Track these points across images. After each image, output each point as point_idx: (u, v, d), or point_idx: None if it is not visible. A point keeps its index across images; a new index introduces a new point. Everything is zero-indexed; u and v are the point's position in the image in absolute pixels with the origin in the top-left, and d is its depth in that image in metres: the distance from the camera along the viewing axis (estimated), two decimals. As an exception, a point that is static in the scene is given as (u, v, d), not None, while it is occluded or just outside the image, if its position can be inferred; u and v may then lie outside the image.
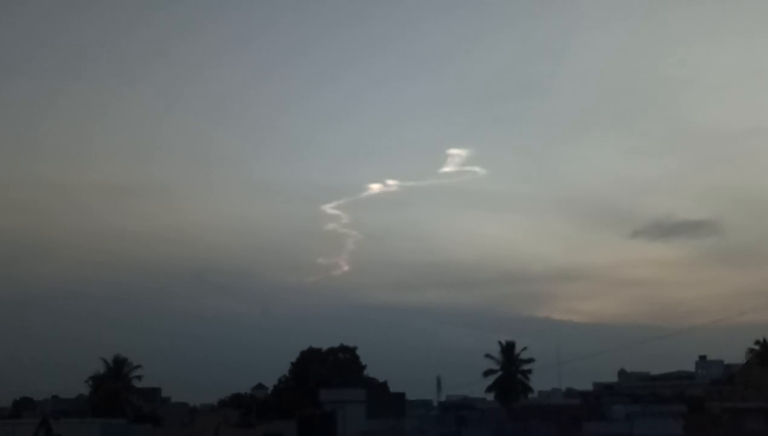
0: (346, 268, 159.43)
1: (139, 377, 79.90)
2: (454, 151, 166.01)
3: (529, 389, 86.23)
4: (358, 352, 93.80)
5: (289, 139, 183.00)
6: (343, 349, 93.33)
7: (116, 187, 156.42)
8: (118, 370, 78.90)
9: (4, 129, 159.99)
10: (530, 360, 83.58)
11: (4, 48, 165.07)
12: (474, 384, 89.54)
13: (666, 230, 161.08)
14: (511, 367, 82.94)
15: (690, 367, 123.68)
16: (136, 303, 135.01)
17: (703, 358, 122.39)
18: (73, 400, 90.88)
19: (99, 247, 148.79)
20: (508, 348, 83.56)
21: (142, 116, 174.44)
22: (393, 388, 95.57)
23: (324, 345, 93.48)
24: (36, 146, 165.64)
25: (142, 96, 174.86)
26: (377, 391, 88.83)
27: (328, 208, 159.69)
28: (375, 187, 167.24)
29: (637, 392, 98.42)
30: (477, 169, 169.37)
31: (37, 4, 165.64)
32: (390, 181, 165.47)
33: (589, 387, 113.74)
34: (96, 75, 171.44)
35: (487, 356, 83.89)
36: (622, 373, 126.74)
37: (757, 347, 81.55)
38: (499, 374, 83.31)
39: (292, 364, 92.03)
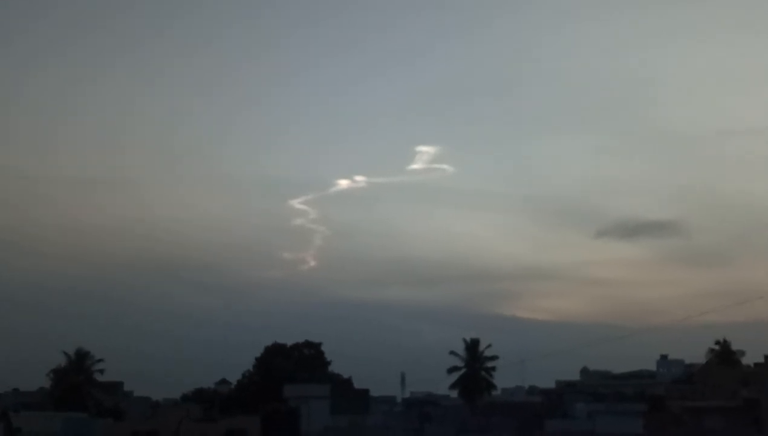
0: (313, 263, 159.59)
1: (101, 371, 79.29)
2: (422, 148, 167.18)
3: (493, 387, 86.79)
4: (323, 348, 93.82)
5: (258, 134, 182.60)
6: (308, 344, 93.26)
7: (83, 181, 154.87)
8: (80, 363, 78.20)
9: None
10: (494, 358, 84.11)
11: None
12: (438, 381, 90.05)
13: (631, 230, 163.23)
14: (475, 364, 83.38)
15: (651, 366, 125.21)
16: (100, 296, 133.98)
17: (664, 357, 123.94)
18: (34, 393, 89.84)
19: (64, 240, 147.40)
20: (472, 345, 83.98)
21: (111, 110, 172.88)
22: (357, 384, 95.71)
23: (289, 340, 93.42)
24: (1, 138, 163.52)
25: (111, 89, 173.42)
26: (342, 387, 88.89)
27: (296, 204, 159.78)
28: (343, 183, 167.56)
29: (599, 391, 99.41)
30: (445, 166, 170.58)
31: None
32: (358, 178, 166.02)
33: (551, 385, 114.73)
34: (65, 67, 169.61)
35: (452, 353, 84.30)
36: (584, 371, 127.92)
37: (717, 347, 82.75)
38: (463, 371, 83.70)
39: (257, 359, 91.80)
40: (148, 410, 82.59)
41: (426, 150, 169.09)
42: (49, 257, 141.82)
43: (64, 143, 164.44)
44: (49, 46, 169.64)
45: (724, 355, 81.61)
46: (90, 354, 78.98)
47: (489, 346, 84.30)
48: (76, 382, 76.78)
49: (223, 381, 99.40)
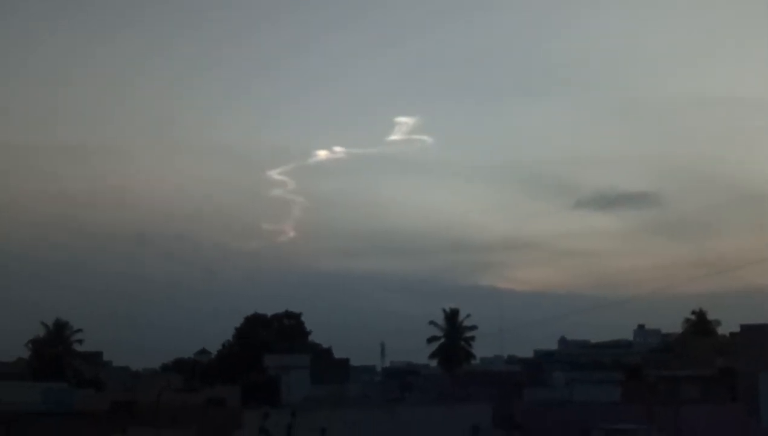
0: (292, 234, 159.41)
1: (80, 341, 79.26)
2: (401, 119, 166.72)
3: (472, 356, 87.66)
4: (303, 318, 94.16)
5: (236, 103, 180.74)
6: (288, 315, 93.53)
7: (59, 148, 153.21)
8: (58, 333, 78.10)
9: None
10: (473, 327, 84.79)
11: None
12: (418, 351, 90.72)
13: (609, 201, 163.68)
14: (454, 334, 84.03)
15: (628, 335, 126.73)
16: (78, 266, 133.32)
17: (641, 327, 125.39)
18: (13, 363, 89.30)
19: (39, 208, 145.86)
20: (451, 315, 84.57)
21: (88, 78, 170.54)
22: (337, 354, 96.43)
23: (269, 311, 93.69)
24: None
25: (90, 59, 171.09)
26: (322, 357, 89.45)
27: (274, 174, 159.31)
28: (322, 153, 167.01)
29: (577, 360, 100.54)
30: (425, 137, 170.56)
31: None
32: (337, 148, 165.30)
33: (530, 354, 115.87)
34: (48, 37, 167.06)
35: (431, 323, 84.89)
36: (562, 341, 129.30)
37: (693, 317, 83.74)
38: (442, 340, 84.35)
39: (237, 329, 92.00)
40: (128, 380, 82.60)
41: (405, 121, 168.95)
42: (25, 225, 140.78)
43: (39, 111, 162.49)
44: (38, 16, 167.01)
45: (700, 325, 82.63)
46: (69, 324, 78.86)
47: (468, 316, 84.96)
48: (55, 352, 76.69)
49: (203, 351, 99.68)
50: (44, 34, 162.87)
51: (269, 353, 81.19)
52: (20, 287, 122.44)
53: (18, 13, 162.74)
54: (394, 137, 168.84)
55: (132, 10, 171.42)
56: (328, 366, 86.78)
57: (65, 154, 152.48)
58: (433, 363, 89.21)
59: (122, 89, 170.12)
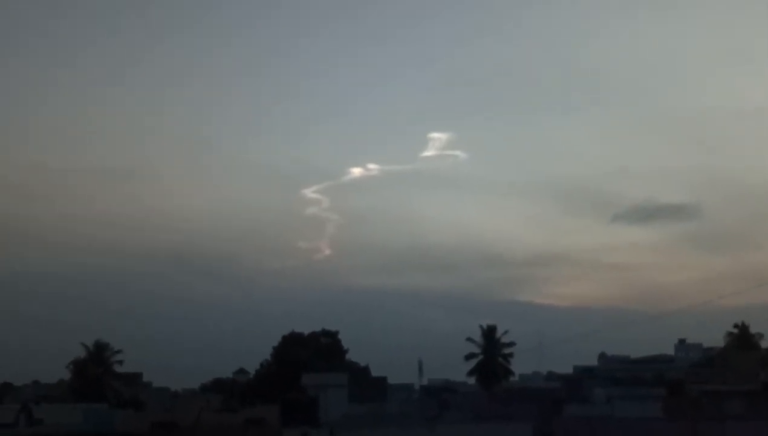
0: (327, 252, 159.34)
1: (120, 362, 79.78)
2: (435, 135, 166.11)
3: (510, 373, 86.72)
4: (339, 336, 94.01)
5: (269, 122, 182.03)
6: (325, 333, 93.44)
7: (97, 171, 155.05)
8: (99, 355, 78.72)
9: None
10: (511, 344, 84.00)
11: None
12: (455, 368, 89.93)
13: (646, 214, 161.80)
14: (492, 351, 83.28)
15: (669, 350, 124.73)
16: (118, 288, 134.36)
17: (682, 341, 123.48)
18: (54, 385, 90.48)
19: (80, 231, 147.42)
20: (489, 332, 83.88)
21: (126, 100, 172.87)
22: (375, 372, 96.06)
23: (306, 329, 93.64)
24: (21, 129, 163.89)
25: (127, 80, 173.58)
26: (359, 375, 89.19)
27: (309, 193, 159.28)
28: (356, 171, 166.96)
29: (617, 375, 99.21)
30: (458, 153, 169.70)
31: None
32: (371, 166, 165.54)
33: (569, 370, 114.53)
34: (84, 60, 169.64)
35: (469, 339, 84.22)
36: (602, 356, 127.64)
37: (735, 331, 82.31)
38: (480, 357, 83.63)
39: (274, 348, 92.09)
40: (168, 400, 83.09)
41: (438, 137, 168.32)
42: (66, 249, 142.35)
43: (79, 134, 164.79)
44: (72, 39, 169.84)
45: (742, 338, 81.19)
46: (109, 346, 79.47)
47: (506, 332, 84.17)
48: (96, 373, 77.31)
49: (242, 371, 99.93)
50: (80, 56, 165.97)
51: (307, 371, 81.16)
52: (61, 309, 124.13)
53: (52, 35, 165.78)
54: (427, 153, 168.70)
55: (166, 31, 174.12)
56: (365, 385, 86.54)
57: (103, 176, 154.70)
58: (471, 380, 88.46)
59: (158, 110, 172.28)
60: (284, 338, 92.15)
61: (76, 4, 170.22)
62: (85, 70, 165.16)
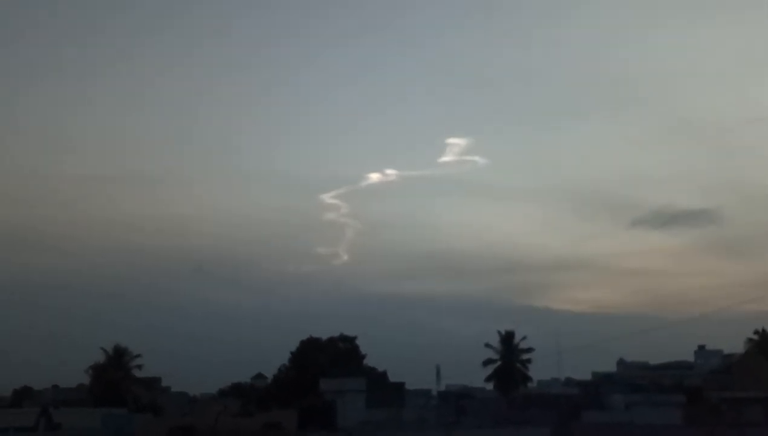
0: (345, 257, 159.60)
1: (139, 367, 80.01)
2: (453, 140, 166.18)
3: (529, 379, 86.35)
4: (357, 341, 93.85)
5: (288, 130, 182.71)
6: (343, 338, 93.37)
7: (117, 178, 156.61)
8: (118, 359, 78.98)
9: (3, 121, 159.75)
10: (529, 350, 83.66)
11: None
12: (473, 373, 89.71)
13: (666, 219, 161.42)
14: (510, 356, 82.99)
15: (689, 357, 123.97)
16: (137, 293, 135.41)
17: (701, 348, 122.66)
18: (74, 389, 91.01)
19: (100, 237, 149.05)
20: (507, 338, 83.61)
21: (150, 107, 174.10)
22: (393, 377, 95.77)
23: (324, 335, 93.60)
24: (33, 137, 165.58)
25: (156, 88, 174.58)
26: (377, 380, 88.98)
27: (327, 198, 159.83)
28: (374, 176, 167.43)
29: (636, 382, 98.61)
30: (477, 158, 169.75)
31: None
32: (389, 171, 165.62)
33: (588, 377, 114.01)
34: (109, 68, 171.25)
35: (487, 345, 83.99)
36: (621, 363, 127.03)
37: (755, 337, 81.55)
38: (498, 363, 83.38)
39: (292, 353, 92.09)
40: (186, 405, 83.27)
41: (457, 142, 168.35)
42: (86, 255, 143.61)
43: (98, 140, 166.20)
44: (104, 49, 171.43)
45: (763, 344, 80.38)
46: (128, 350, 79.71)
47: (524, 338, 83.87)
48: (115, 378, 77.56)
49: (260, 376, 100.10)
50: (107, 64, 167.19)
51: (325, 377, 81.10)
52: (82, 314, 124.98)
53: (79, 43, 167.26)
54: (446, 159, 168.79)
55: (191, 40, 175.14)
56: (383, 390, 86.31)
57: (124, 184, 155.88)
58: (489, 386, 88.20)
59: (180, 118, 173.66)
60: (302, 342, 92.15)
61: (66, 6, 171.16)
62: (111, 77, 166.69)
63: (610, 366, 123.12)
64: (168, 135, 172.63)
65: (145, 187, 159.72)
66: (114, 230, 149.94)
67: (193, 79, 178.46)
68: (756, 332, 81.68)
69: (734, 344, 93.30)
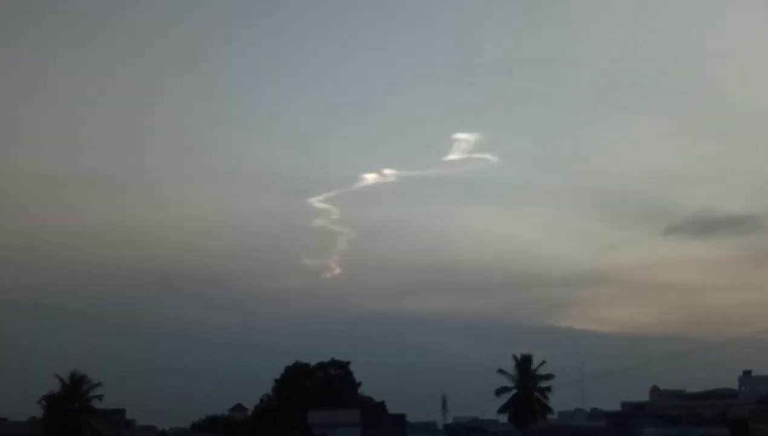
0: (337, 270, 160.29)
1: (99, 397, 79.92)
2: (461, 135, 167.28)
3: (549, 410, 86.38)
4: (351, 367, 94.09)
5: (271, 124, 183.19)
6: (335, 364, 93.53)
7: (74, 179, 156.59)
8: (75, 389, 78.90)
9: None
10: (549, 376, 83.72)
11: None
12: (485, 404, 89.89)
13: (705, 226, 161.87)
14: (527, 384, 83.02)
15: (732, 384, 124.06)
16: (96, 312, 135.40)
17: (747, 373, 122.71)
18: (24, 423, 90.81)
19: (53, 246, 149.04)
20: (523, 363, 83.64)
21: (99, 101, 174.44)
22: (392, 408, 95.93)
23: (312, 360, 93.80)
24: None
25: (104, 80, 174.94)
26: (374, 412, 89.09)
27: (316, 202, 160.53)
28: (370, 177, 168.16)
29: (672, 413, 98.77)
30: (488, 156, 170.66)
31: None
32: (387, 171, 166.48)
33: (616, 407, 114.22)
34: (75, 60, 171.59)
35: (500, 371, 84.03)
36: (654, 391, 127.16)
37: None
38: (513, 392, 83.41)
39: (276, 381, 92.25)
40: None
41: (465, 138, 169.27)
42: (35, 270, 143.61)
43: (71, 140, 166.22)
44: (64, 39, 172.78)
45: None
46: (86, 378, 79.65)
47: (543, 363, 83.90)
48: (72, 410, 77.52)
49: (239, 407, 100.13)
50: (66, 54, 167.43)
51: (313, 408, 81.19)
52: (33, 338, 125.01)
53: (36, 37, 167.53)
54: (452, 157, 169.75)
55: (158, 27, 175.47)
56: (381, 423, 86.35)
57: (77, 187, 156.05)
58: (503, 419, 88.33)
59: (147, 111, 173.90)
60: (287, 369, 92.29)
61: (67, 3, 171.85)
62: (75, 71, 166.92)
63: (641, 395, 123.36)
64: (133, 131, 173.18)
65: (105, 190, 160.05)
66: (70, 238, 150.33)
67: (162, 68, 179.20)
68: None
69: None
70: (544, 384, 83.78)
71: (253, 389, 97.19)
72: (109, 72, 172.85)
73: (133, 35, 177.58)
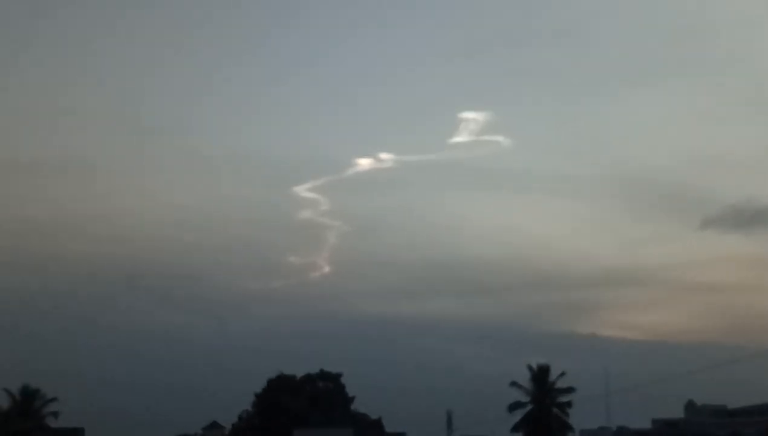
0: (326, 269, 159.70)
1: (54, 414, 79.99)
2: (468, 114, 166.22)
3: (569, 428, 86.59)
4: (343, 380, 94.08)
5: (252, 102, 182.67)
6: (324, 376, 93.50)
7: (20, 166, 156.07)
8: (27, 405, 78.89)
9: None
10: (570, 390, 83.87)
11: None
12: (496, 421, 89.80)
13: (747, 218, 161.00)
14: (544, 399, 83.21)
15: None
16: (51, 316, 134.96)
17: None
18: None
19: (2, 239, 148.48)
20: (540, 374, 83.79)
21: (56, 76, 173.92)
22: (389, 426, 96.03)
23: (298, 371, 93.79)
24: None
25: (55, 50, 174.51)
26: (369, 430, 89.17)
27: (302, 191, 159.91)
28: (364, 162, 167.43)
29: (711, 431, 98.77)
30: (499, 138, 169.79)
31: None
32: (383, 155, 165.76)
33: (647, 425, 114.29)
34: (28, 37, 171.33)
35: (513, 384, 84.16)
36: (690, 406, 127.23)
37: None
38: (528, 408, 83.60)
39: (257, 396, 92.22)
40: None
41: (473, 117, 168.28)
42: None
43: (26, 116, 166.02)
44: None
45: None
46: (40, 393, 79.60)
47: (562, 374, 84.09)
48: (23, 428, 77.47)
49: (214, 425, 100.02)
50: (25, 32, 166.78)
51: (300, 426, 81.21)
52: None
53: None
54: (458, 139, 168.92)
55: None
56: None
57: (30, 172, 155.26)
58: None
59: (112, 88, 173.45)
60: (270, 382, 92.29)
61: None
62: (34, 41, 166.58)
63: (675, 411, 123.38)
64: (96, 110, 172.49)
65: (62, 176, 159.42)
66: (23, 231, 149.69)
67: (135, 44, 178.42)
68: None
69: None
70: (563, 399, 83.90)
71: (230, 404, 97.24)
72: (78, 46, 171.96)
73: (104, 6, 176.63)
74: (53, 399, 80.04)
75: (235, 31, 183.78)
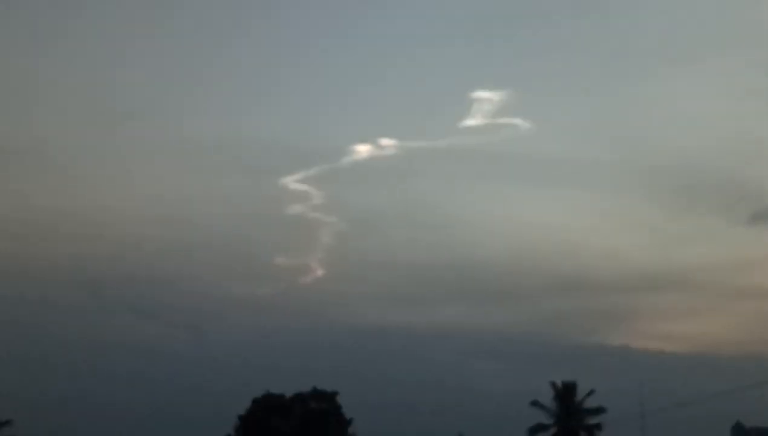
0: (319, 272, 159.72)
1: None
2: (482, 94, 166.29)
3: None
4: (339, 399, 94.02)
5: (236, 82, 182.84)
6: (317, 395, 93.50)
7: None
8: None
9: None
10: (599, 410, 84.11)
11: None
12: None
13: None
14: (570, 420, 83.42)
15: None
16: (4, 327, 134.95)
17: None
18: None
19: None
20: (565, 392, 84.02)
21: (21, 58, 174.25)
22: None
23: (288, 389, 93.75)
24: None
25: (21, 30, 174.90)
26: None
27: (292, 182, 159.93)
28: (363, 149, 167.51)
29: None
30: (517, 121, 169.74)
31: None
32: (385, 141, 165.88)
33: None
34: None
35: (534, 403, 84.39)
36: (737, 428, 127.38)
37: None
38: (552, 431, 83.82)
39: (241, 418, 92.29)
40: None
41: (487, 97, 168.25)
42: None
43: None
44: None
45: None
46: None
47: (591, 393, 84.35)
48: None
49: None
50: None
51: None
52: None
53: None
54: (470, 122, 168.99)
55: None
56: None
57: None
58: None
59: (62, 65, 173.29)
60: (255, 401, 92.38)
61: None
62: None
63: (721, 433, 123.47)
64: (55, 89, 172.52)
65: (10, 165, 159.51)
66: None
67: (106, 23, 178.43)
68: None
69: None
70: (592, 420, 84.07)
71: (211, 427, 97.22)
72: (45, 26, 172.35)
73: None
74: (7, 422, 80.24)
75: (217, 7, 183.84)
